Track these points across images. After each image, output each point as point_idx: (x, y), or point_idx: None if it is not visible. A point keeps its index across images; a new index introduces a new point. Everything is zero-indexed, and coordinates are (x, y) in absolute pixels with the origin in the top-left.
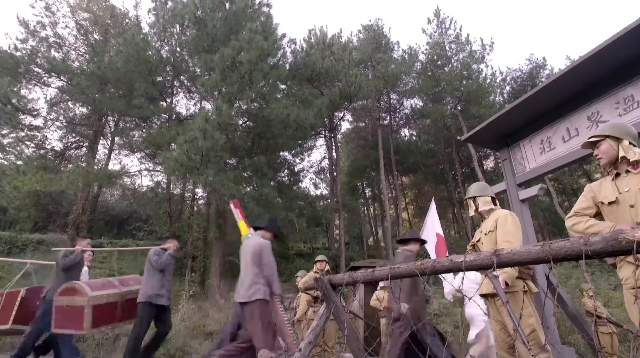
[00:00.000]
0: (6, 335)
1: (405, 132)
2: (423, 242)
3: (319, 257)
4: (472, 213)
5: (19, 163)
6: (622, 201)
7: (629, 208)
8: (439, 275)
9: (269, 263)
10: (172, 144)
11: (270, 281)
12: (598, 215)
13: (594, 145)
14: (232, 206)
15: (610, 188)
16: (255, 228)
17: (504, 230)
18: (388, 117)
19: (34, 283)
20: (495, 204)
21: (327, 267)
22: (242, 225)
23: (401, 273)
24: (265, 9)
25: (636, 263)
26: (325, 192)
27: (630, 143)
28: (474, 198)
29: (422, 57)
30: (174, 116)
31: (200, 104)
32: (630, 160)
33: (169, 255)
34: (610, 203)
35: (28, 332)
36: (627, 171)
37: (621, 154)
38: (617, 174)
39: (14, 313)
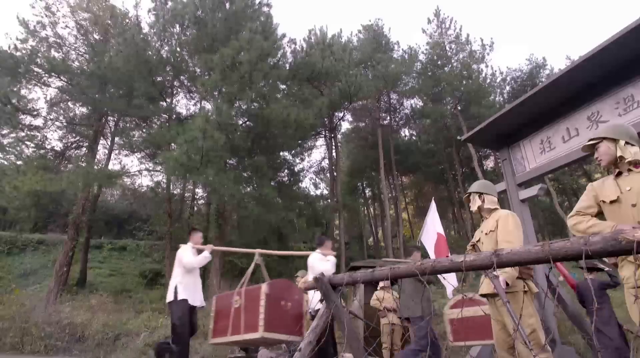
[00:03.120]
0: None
1: (405, 132)
2: None
3: None
4: (474, 207)
5: (19, 163)
6: (624, 200)
7: (630, 207)
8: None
9: None
10: (172, 144)
11: None
12: (600, 214)
13: (594, 147)
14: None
15: (613, 187)
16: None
17: (505, 230)
18: (388, 117)
19: (265, 277)
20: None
21: None
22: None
23: (401, 273)
24: (265, 9)
25: (637, 262)
26: (325, 192)
27: (627, 143)
28: (480, 193)
29: (422, 57)
30: (174, 116)
31: (200, 104)
32: (627, 160)
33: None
34: (612, 202)
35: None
36: (629, 170)
37: (619, 153)
38: (619, 173)
39: (262, 316)
